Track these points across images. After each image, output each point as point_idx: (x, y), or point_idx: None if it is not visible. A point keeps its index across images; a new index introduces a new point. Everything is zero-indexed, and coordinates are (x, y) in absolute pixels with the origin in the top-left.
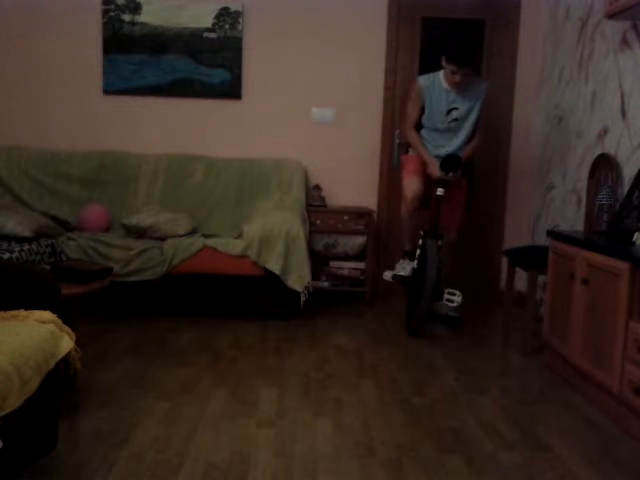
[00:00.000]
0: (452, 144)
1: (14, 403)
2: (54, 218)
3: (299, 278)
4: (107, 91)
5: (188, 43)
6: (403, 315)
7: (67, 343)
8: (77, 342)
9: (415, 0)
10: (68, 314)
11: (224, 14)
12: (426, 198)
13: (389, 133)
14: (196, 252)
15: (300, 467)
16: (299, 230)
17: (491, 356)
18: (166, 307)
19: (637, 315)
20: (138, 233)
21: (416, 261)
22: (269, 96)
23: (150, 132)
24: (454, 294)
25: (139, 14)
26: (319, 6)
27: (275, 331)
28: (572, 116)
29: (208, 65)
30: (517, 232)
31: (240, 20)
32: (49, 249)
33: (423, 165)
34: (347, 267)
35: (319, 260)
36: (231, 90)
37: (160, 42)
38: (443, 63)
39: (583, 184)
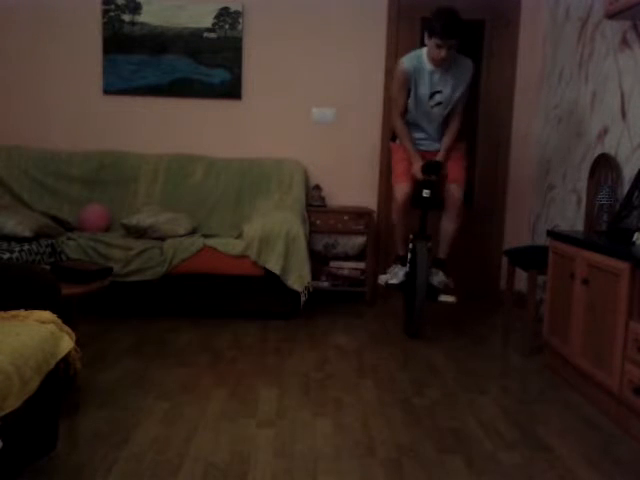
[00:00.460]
0: (431, 129)
1: (14, 403)
2: (54, 218)
3: (299, 278)
4: (107, 91)
5: (188, 43)
6: (402, 318)
7: (67, 343)
8: (77, 342)
9: (415, 0)
10: (68, 314)
11: (224, 14)
12: (416, 197)
13: (389, 133)
14: (196, 252)
15: (300, 467)
16: (299, 230)
17: (491, 356)
18: (166, 307)
19: (637, 315)
20: (138, 233)
21: (408, 265)
22: (269, 96)
23: (150, 132)
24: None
25: (139, 14)
26: (319, 6)
27: (275, 331)
28: (572, 116)
29: (208, 65)
30: (517, 232)
31: (240, 20)
32: (49, 249)
33: (410, 162)
34: (347, 267)
35: (319, 260)
36: (231, 90)
37: (160, 42)
38: (426, 40)
39: (583, 184)
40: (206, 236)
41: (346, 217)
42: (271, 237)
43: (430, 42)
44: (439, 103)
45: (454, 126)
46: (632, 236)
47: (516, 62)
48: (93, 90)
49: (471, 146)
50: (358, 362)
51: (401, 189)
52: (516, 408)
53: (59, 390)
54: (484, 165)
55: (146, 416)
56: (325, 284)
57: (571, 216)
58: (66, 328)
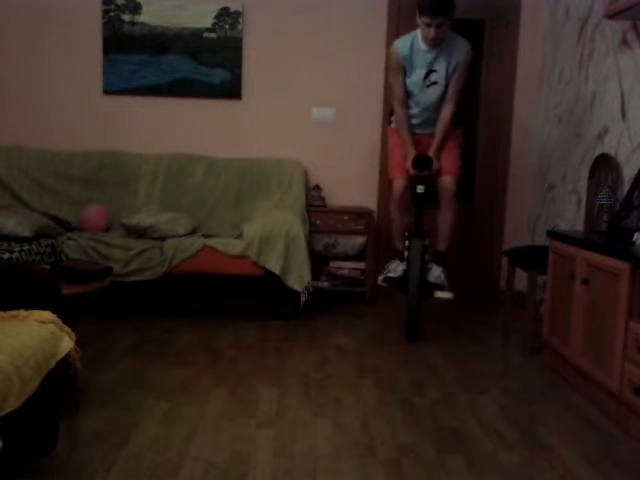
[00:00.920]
0: (427, 112)
1: (14, 403)
2: (54, 218)
3: (299, 278)
4: (107, 91)
5: (188, 43)
6: (402, 319)
7: (67, 343)
8: (77, 342)
9: (415, 0)
10: (68, 314)
11: (224, 14)
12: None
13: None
14: (196, 252)
15: (300, 467)
16: (299, 230)
17: (491, 356)
18: (166, 307)
19: (637, 315)
20: (138, 233)
21: (405, 262)
22: (269, 96)
23: (150, 132)
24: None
25: (139, 14)
26: (319, 6)
27: (275, 331)
28: (572, 116)
29: (208, 65)
30: (517, 232)
31: (240, 20)
32: (49, 249)
33: (405, 155)
34: (347, 267)
35: (319, 260)
36: (231, 90)
37: (160, 42)
38: (417, 19)
39: (583, 184)
40: (206, 236)
41: (346, 217)
42: (271, 237)
43: (420, 21)
44: (434, 82)
45: (446, 113)
46: (632, 236)
47: (516, 62)
48: (93, 90)
49: (471, 146)
50: (358, 362)
51: (397, 184)
52: (516, 408)
53: (59, 390)
54: (484, 165)
55: (146, 416)
56: (325, 284)
57: (571, 216)
58: (66, 328)
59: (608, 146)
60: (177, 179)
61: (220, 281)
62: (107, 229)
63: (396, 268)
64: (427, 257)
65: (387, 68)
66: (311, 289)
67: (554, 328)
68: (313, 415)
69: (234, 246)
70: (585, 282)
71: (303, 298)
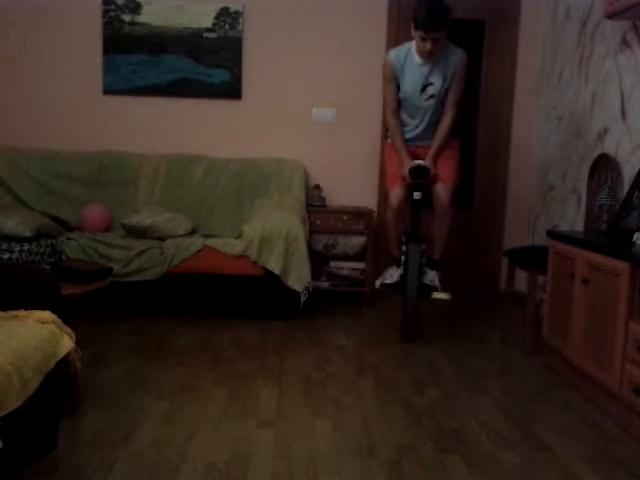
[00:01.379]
0: (424, 124)
1: (14, 403)
2: (54, 218)
3: (299, 278)
4: (107, 91)
5: (188, 43)
6: (400, 321)
7: (67, 343)
8: (77, 342)
9: (415, 0)
10: (68, 314)
11: (224, 14)
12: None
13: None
14: (196, 252)
15: (300, 467)
16: (299, 230)
17: (491, 356)
18: (166, 307)
19: (637, 315)
20: (138, 233)
21: (402, 267)
22: (269, 96)
23: (150, 132)
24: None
25: (139, 14)
26: (319, 6)
27: (275, 331)
28: (572, 116)
29: (208, 65)
30: (517, 232)
31: (240, 20)
32: (49, 249)
33: (401, 163)
34: (347, 267)
35: (319, 260)
36: (231, 90)
37: (160, 42)
38: (413, 32)
39: (583, 184)
40: (206, 236)
41: (346, 217)
42: (271, 237)
43: (415, 35)
44: (432, 96)
45: (446, 123)
46: (632, 236)
47: (516, 62)
48: (93, 90)
49: (471, 146)
50: (358, 362)
51: (395, 193)
52: (516, 408)
53: (59, 390)
54: (484, 165)
55: (146, 416)
56: (325, 284)
57: (571, 216)
58: (66, 328)
59: (608, 146)
60: (177, 179)
61: (220, 281)
62: (107, 229)
63: (393, 274)
64: (422, 261)
65: (383, 78)
66: (311, 289)
67: (554, 328)
68: (313, 415)
69: (234, 246)
70: (585, 282)
71: (303, 298)
